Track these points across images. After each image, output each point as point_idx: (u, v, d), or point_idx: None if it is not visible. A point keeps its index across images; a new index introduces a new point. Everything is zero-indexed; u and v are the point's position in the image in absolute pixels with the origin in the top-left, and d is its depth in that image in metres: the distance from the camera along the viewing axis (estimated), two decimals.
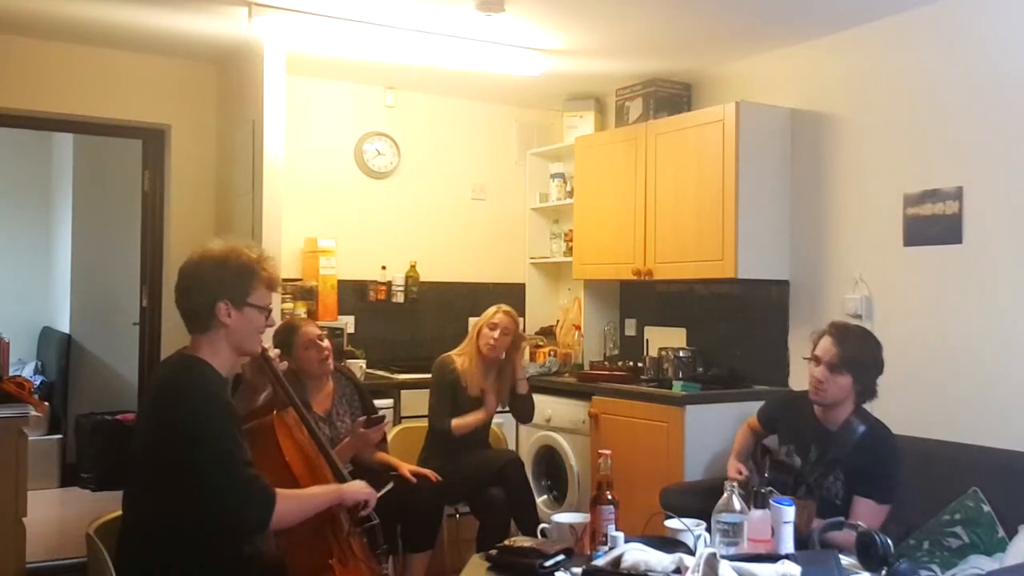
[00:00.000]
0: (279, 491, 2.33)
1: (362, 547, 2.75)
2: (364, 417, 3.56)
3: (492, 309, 4.13)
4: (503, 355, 4.12)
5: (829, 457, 3.06)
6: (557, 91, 5.42)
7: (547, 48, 4.53)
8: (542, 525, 2.72)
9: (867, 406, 3.16)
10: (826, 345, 3.10)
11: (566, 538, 2.55)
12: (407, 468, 3.64)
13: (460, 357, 4.11)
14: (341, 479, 2.80)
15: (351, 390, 3.74)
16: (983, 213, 3.63)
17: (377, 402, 4.13)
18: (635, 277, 4.71)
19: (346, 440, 3.50)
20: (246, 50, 4.52)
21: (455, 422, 3.97)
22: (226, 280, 2.39)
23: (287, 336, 3.56)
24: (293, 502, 2.39)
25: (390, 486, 3.00)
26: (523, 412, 4.28)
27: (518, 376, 4.18)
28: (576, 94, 5.48)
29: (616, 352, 5.26)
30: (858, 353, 3.07)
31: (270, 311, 2.49)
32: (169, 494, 2.26)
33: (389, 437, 3.97)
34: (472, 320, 4.41)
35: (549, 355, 5.20)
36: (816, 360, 3.11)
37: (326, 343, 3.61)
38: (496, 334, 4.04)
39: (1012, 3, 3.56)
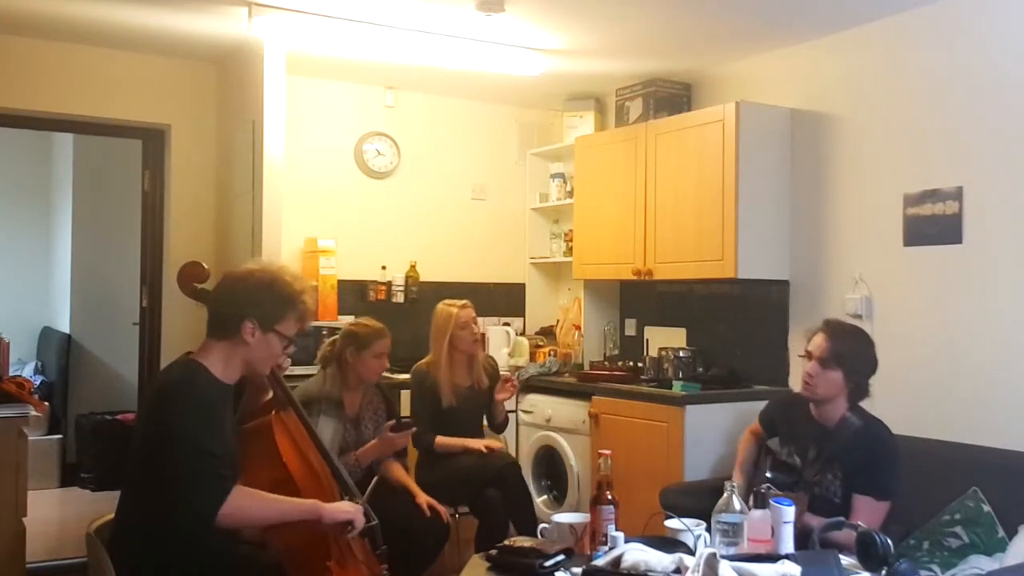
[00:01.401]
0: (241, 488, 2.32)
1: (362, 548, 2.74)
2: (393, 421, 3.57)
3: (449, 311, 4.04)
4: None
5: (827, 455, 3.06)
6: (557, 91, 5.42)
7: (547, 48, 4.53)
8: (542, 525, 2.72)
9: (865, 405, 3.16)
10: (818, 341, 3.12)
11: (566, 538, 2.55)
12: (424, 499, 3.59)
13: (434, 367, 4.04)
14: (341, 481, 2.81)
15: (379, 400, 3.72)
16: (983, 213, 3.63)
17: None
18: (635, 277, 4.71)
19: (372, 442, 3.51)
20: (246, 50, 4.52)
21: (441, 440, 3.94)
22: (263, 302, 2.43)
23: (369, 335, 3.57)
24: (254, 501, 2.37)
25: (375, 481, 2.98)
26: (499, 429, 4.29)
27: (497, 412, 4.15)
28: (576, 94, 5.48)
29: (616, 352, 5.26)
30: (849, 349, 3.08)
31: (291, 342, 2.51)
32: (155, 493, 2.27)
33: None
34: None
35: (549, 355, 5.20)
36: (808, 355, 3.13)
37: (388, 362, 3.67)
38: (474, 330, 4.07)
39: (1012, 3, 3.56)
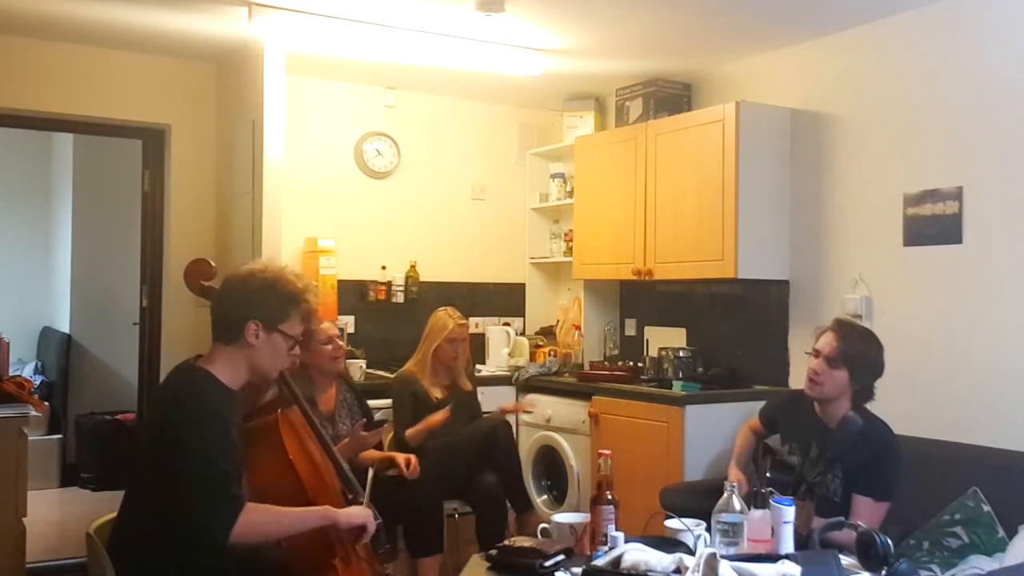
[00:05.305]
0: (252, 505, 2.29)
1: (365, 547, 2.74)
2: (365, 419, 3.59)
3: (446, 323, 4.11)
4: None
5: (829, 454, 3.07)
6: (557, 91, 5.42)
7: (547, 48, 4.53)
8: (542, 525, 2.72)
9: (867, 405, 3.16)
10: (828, 339, 3.12)
11: (566, 538, 2.55)
12: (401, 457, 3.68)
13: (418, 368, 4.11)
14: (345, 480, 2.81)
15: (351, 396, 3.78)
16: (983, 213, 3.63)
17: (376, 402, 4.15)
18: (635, 277, 4.71)
19: (344, 442, 3.51)
20: (246, 50, 4.52)
21: (408, 431, 3.96)
22: (267, 302, 2.40)
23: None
24: (267, 516, 2.34)
25: (372, 472, 2.99)
26: None
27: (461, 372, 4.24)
28: (576, 94, 5.48)
29: (616, 352, 5.26)
30: (858, 351, 3.08)
31: (297, 342, 2.49)
32: (159, 500, 2.27)
33: (386, 439, 4.00)
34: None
35: (549, 355, 5.20)
36: (816, 353, 3.13)
37: (341, 342, 3.70)
38: (458, 347, 4.11)
39: (1012, 3, 3.56)
